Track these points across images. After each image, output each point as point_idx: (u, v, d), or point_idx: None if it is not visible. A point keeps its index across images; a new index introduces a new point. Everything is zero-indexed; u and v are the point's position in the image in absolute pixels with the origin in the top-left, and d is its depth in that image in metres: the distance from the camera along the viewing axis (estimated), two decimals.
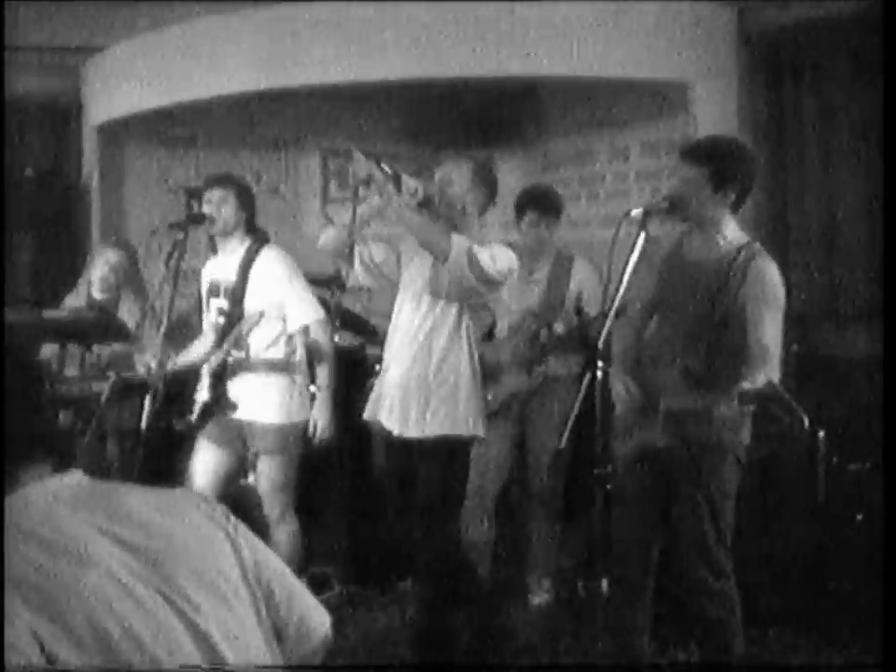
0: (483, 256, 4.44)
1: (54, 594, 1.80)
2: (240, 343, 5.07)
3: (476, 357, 4.67)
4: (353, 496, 6.38)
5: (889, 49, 4.35)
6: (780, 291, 4.09)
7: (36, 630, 1.75)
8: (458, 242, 4.42)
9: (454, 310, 4.58)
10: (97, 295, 6.07)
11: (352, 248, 4.66)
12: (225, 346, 5.08)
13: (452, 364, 4.57)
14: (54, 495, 1.96)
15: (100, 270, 6.06)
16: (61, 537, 1.87)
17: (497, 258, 4.51)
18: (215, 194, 5.16)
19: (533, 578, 5.91)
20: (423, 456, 4.58)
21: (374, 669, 4.89)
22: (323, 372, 5.16)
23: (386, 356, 4.77)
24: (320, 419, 5.10)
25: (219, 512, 2.10)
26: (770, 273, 4.09)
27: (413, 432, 4.58)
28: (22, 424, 2.00)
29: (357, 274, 4.80)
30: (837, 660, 4.93)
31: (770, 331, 4.01)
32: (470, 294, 4.55)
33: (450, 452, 4.59)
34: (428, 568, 4.74)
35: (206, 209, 5.15)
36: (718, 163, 4.12)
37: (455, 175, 4.65)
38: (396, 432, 4.62)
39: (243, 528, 2.11)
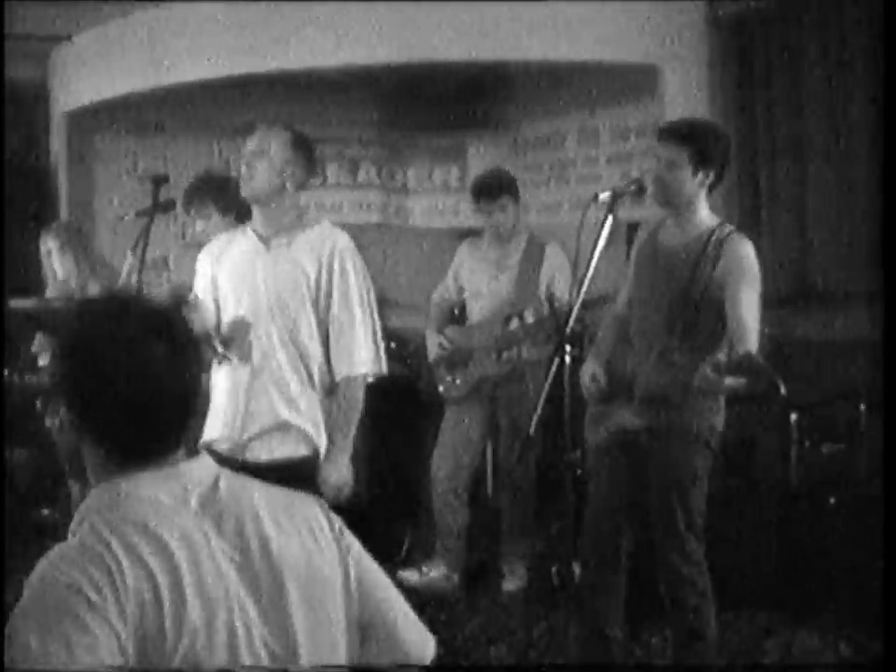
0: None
1: (158, 614, 1.71)
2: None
3: (315, 367, 4.15)
4: None
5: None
6: (756, 268, 4.09)
7: (126, 648, 1.67)
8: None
9: (286, 311, 4.11)
10: (61, 274, 6.06)
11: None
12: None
13: (284, 369, 4.10)
14: (184, 493, 1.85)
15: (46, 260, 6.06)
16: (182, 550, 1.77)
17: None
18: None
19: (506, 563, 5.91)
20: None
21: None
22: None
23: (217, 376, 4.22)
24: None
25: (336, 528, 2.02)
26: (745, 251, 4.09)
27: (251, 456, 4.11)
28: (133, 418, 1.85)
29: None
30: (811, 642, 4.95)
31: (749, 308, 3.98)
32: None
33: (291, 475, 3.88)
34: None
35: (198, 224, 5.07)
36: (699, 144, 4.12)
37: (272, 146, 4.12)
38: (238, 457, 4.09)
39: (356, 547, 2.04)
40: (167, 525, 1.79)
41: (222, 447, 4.14)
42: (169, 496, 1.83)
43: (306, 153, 4.23)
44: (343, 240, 4.19)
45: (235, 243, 4.25)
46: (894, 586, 3.44)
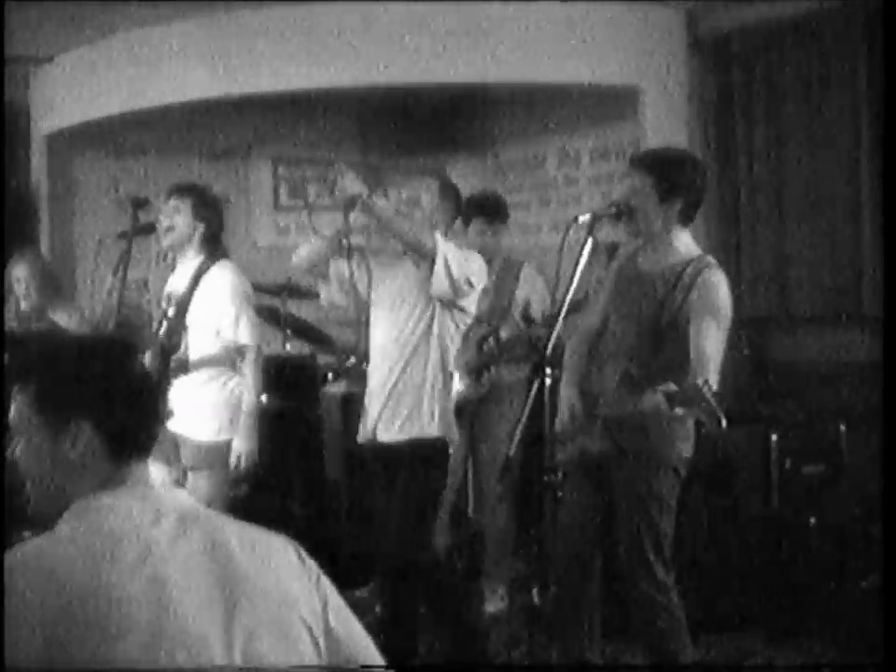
0: (458, 258, 4.49)
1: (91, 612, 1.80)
2: (176, 344, 4.94)
3: (445, 359, 4.64)
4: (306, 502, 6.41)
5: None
6: (727, 304, 4.04)
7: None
8: (441, 240, 4.48)
9: (427, 315, 4.57)
10: (24, 306, 6.04)
11: (334, 264, 4.70)
12: (162, 345, 4.95)
13: (423, 366, 4.58)
14: (157, 513, 1.97)
15: (13, 284, 6.04)
16: (144, 556, 1.88)
17: (470, 260, 4.59)
18: (169, 204, 5.01)
19: (487, 586, 5.89)
20: (396, 461, 4.57)
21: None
22: (247, 399, 4.94)
23: (369, 376, 4.77)
24: (243, 446, 4.91)
25: (314, 574, 2.08)
26: (717, 286, 4.05)
27: (388, 436, 4.61)
28: (137, 420, 2.07)
29: (332, 291, 4.79)
30: (792, 662, 4.95)
31: (711, 342, 3.95)
32: (447, 294, 4.52)
33: (421, 455, 4.58)
34: (401, 570, 4.68)
35: (162, 219, 5.01)
36: (664, 173, 4.09)
37: (423, 194, 4.67)
38: (379, 438, 4.64)
39: (334, 597, 2.09)
40: (134, 533, 1.91)
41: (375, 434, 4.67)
42: (142, 512, 1.96)
43: (453, 198, 4.79)
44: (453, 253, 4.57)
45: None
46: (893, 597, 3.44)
